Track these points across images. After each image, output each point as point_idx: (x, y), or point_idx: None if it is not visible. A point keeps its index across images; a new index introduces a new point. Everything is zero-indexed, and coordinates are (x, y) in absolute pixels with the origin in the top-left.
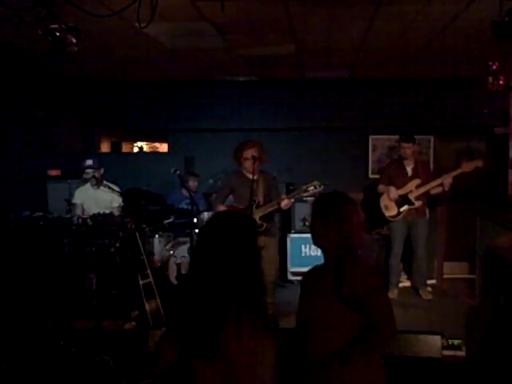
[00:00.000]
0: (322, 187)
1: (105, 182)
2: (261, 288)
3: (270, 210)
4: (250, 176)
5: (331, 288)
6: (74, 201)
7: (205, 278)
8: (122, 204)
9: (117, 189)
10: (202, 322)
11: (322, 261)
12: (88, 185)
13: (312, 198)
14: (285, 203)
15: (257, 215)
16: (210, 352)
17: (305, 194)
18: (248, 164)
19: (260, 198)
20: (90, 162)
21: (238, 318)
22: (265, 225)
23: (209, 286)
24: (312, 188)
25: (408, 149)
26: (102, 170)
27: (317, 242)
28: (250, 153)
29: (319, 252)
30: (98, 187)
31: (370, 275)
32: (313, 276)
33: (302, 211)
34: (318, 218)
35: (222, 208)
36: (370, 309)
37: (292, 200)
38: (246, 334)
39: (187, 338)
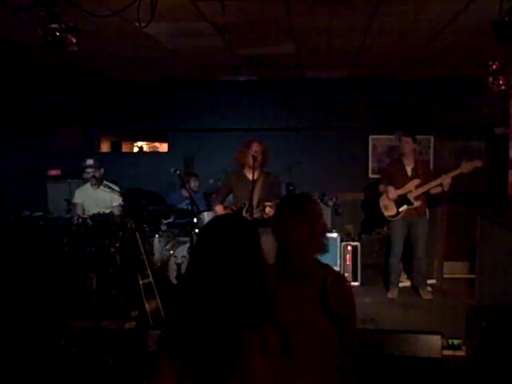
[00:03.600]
0: None
1: (105, 182)
2: (270, 302)
3: (257, 216)
4: (250, 176)
5: (317, 299)
6: (74, 200)
7: (209, 296)
8: (121, 204)
9: (117, 189)
10: (216, 348)
11: (323, 261)
12: (88, 184)
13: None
14: (267, 210)
15: None
16: (225, 379)
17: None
18: (252, 162)
19: (255, 200)
20: (90, 161)
21: (250, 339)
22: None
23: (215, 306)
24: None
25: (407, 143)
26: (103, 170)
27: (284, 240)
28: (256, 147)
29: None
30: (98, 187)
31: (353, 297)
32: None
33: None
34: (289, 216)
35: (219, 208)
36: (349, 331)
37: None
38: (260, 357)
39: (196, 366)
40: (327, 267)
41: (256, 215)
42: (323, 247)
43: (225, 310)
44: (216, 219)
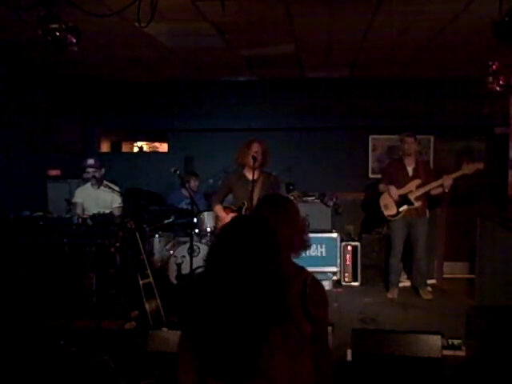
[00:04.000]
0: (303, 198)
1: (105, 182)
2: (286, 300)
3: None
4: (250, 177)
5: (298, 299)
6: (74, 200)
7: (231, 296)
8: (121, 204)
9: (117, 189)
10: (241, 346)
11: (323, 261)
12: (89, 184)
13: (312, 198)
14: None
15: None
16: (249, 377)
17: None
18: (252, 162)
19: (255, 200)
20: (91, 161)
21: (273, 337)
22: None
23: (239, 305)
24: (293, 198)
25: (412, 143)
26: (103, 170)
27: None
28: (257, 147)
29: (319, 252)
30: (99, 187)
31: (327, 301)
32: None
33: (302, 211)
34: (272, 215)
35: (219, 208)
36: (322, 334)
37: None
38: (282, 354)
39: (219, 365)
40: (304, 269)
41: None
42: (306, 244)
43: (249, 308)
44: (237, 220)
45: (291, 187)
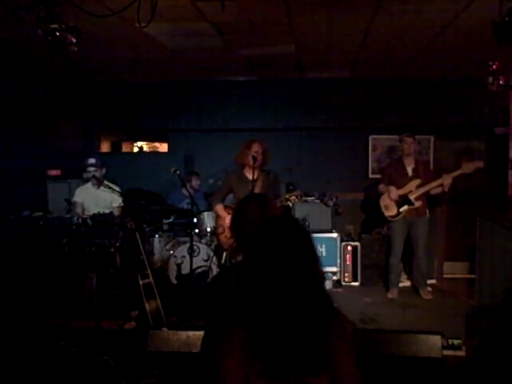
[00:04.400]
0: (303, 198)
1: (105, 182)
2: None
3: None
4: (250, 176)
5: None
6: (74, 199)
7: (291, 289)
8: (122, 204)
9: (117, 189)
10: (307, 337)
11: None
12: (89, 184)
13: (312, 198)
14: None
15: None
16: (317, 369)
17: (287, 203)
18: (252, 162)
19: None
20: (92, 160)
21: (333, 328)
22: None
23: (299, 297)
24: (294, 198)
25: (411, 144)
26: (104, 170)
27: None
28: (257, 147)
29: (319, 252)
30: (99, 187)
31: None
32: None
33: (302, 211)
34: (257, 210)
35: (219, 207)
36: None
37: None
38: (342, 344)
39: (287, 359)
40: None
41: None
42: None
43: (311, 299)
44: (282, 218)
45: (291, 187)
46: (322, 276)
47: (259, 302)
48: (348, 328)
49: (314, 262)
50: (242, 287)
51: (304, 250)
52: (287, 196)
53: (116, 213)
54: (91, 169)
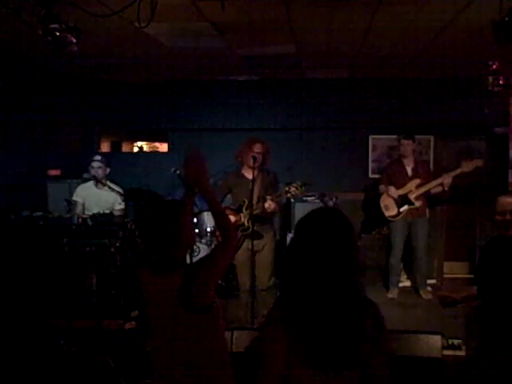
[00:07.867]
0: (303, 188)
1: (108, 183)
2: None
3: (257, 212)
4: (249, 176)
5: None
6: (74, 198)
7: (332, 285)
8: (123, 206)
9: (120, 190)
10: (344, 334)
11: None
12: (91, 183)
13: (312, 198)
14: (267, 205)
15: (245, 218)
16: (352, 364)
17: (288, 195)
18: (251, 162)
19: (255, 198)
20: (98, 157)
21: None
22: (251, 227)
23: (339, 291)
24: (294, 189)
25: (408, 146)
26: (108, 170)
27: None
28: (259, 148)
29: None
30: (101, 186)
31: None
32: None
33: (302, 211)
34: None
35: None
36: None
37: (275, 202)
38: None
39: (323, 353)
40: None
41: (257, 211)
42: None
43: (347, 296)
44: (324, 211)
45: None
46: (360, 267)
47: (303, 297)
48: (383, 330)
49: (356, 253)
50: (286, 279)
51: (347, 242)
52: (287, 188)
53: (117, 214)
54: (95, 164)
